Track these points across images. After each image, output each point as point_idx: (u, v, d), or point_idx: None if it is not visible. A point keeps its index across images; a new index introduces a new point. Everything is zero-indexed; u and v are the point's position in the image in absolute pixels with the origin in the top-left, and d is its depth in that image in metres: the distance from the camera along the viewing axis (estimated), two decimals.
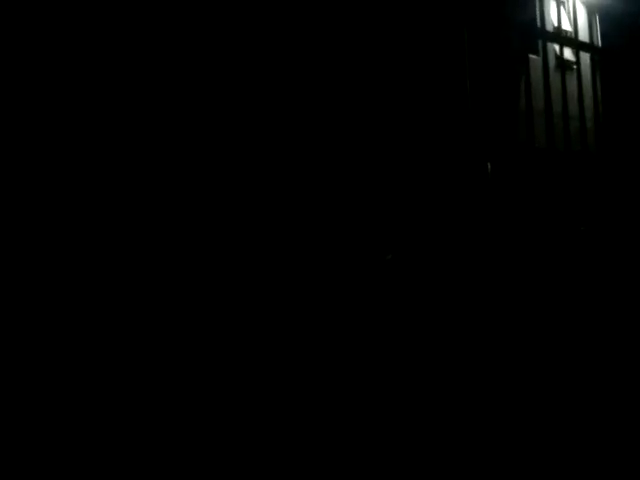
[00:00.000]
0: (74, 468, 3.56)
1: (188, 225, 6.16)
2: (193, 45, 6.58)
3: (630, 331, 6.46)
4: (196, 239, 6.08)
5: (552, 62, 10.99)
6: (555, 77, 10.98)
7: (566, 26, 11.45)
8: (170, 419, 4.24)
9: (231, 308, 5.92)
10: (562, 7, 11.37)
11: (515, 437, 4.06)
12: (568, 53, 11.40)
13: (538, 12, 10.84)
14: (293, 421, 4.31)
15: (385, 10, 8.15)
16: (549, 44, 10.86)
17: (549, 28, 11.02)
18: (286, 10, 7.14)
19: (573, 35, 11.34)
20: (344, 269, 6.82)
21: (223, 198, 6.42)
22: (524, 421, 4.34)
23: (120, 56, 6.05)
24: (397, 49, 8.44)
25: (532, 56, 10.67)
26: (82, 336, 5.27)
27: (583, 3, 11.73)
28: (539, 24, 10.74)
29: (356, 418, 4.31)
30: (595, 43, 11.99)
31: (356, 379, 4.98)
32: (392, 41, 8.37)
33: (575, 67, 11.29)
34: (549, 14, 11.04)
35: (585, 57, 11.64)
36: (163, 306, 5.72)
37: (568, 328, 6.69)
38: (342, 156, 7.34)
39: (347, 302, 6.50)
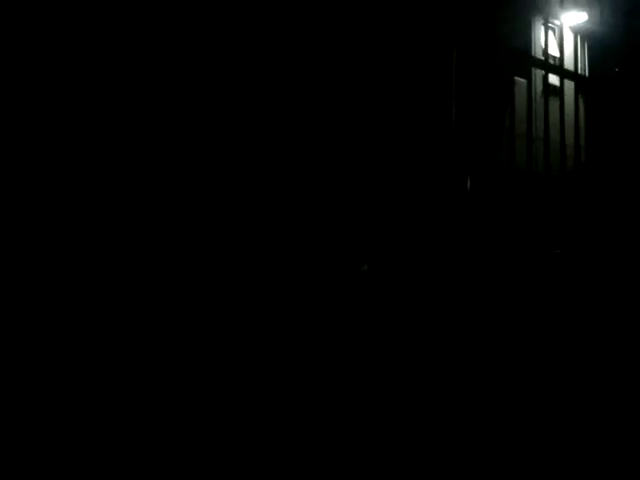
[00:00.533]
0: (74, 468, 3.57)
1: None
2: (193, 47, 6.67)
3: (591, 350, 6.65)
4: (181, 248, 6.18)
5: (539, 86, 11.24)
6: (540, 101, 11.21)
7: (554, 51, 11.70)
8: (164, 420, 4.27)
9: (205, 318, 6.01)
10: (551, 32, 11.63)
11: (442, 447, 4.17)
12: (554, 78, 11.64)
13: (528, 36, 11.10)
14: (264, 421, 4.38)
15: (372, 24, 8.30)
16: (537, 70, 11.09)
17: (538, 52, 11.27)
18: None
19: (559, 62, 11.56)
20: (317, 279, 6.94)
21: (200, 209, 6.52)
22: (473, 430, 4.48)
23: (120, 57, 6.12)
24: (385, 63, 8.59)
25: (519, 79, 10.90)
26: (81, 337, 5.33)
27: (571, 29, 11.99)
28: (527, 48, 10.98)
29: (331, 422, 4.38)
30: (581, 70, 12.25)
31: (332, 385, 5.06)
32: (380, 54, 8.52)
33: (560, 93, 11.53)
34: (538, 39, 11.29)
35: (570, 83, 11.89)
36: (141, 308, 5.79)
37: (531, 344, 6.86)
38: (318, 167, 7.46)
39: (321, 312, 6.61)
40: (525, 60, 10.84)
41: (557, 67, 11.40)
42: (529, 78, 10.87)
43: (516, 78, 10.78)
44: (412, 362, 5.74)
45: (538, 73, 11.31)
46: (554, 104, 11.55)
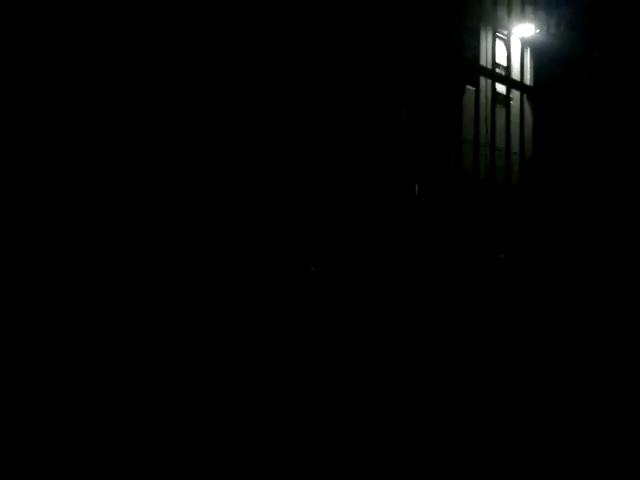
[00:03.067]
0: (74, 467, 3.57)
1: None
2: (191, 47, 6.69)
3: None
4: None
5: (488, 95, 11.55)
6: (488, 109, 11.54)
7: (502, 61, 12.05)
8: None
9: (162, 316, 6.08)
10: (501, 43, 11.96)
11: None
12: (503, 88, 12.00)
13: (477, 46, 11.40)
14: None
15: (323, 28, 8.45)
16: (484, 79, 11.42)
17: (488, 62, 11.59)
18: None
19: (507, 72, 11.92)
20: (267, 280, 7.05)
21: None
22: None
23: (120, 56, 6.10)
24: (335, 69, 8.76)
25: (468, 87, 11.20)
26: (80, 335, 5.32)
27: (520, 41, 12.35)
28: (476, 58, 11.29)
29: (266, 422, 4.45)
30: (529, 79, 12.64)
31: (278, 383, 5.16)
32: (329, 61, 8.67)
33: (507, 101, 11.91)
34: (488, 49, 11.60)
35: (517, 93, 12.27)
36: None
37: (474, 342, 7.04)
38: (267, 174, 7.59)
39: (270, 311, 6.71)
40: (473, 69, 11.14)
41: (504, 77, 11.76)
42: (477, 87, 11.19)
43: (467, 86, 11.07)
44: (356, 359, 5.90)
45: (488, 83, 11.63)
46: (501, 112, 11.92)
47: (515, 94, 12.19)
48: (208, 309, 6.33)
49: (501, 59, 12.00)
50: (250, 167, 7.42)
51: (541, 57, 12.62)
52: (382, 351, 6.34)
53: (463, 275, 10.05)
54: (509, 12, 11.88)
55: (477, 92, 11.07)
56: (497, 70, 11.73)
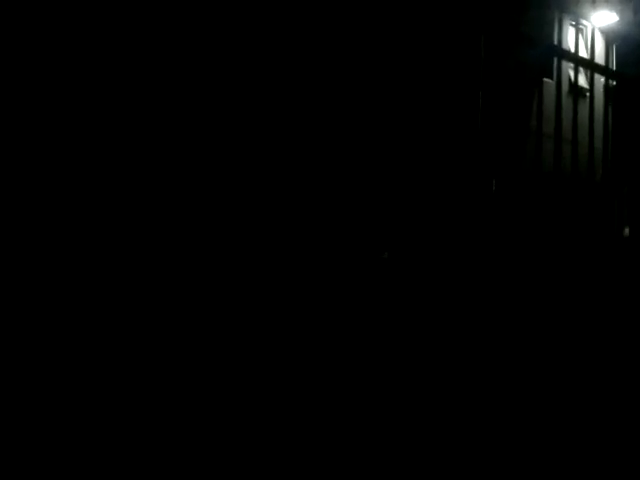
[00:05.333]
0: (74, 468, 3.50)
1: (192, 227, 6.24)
2: (192, 45, 6.66)
3: None
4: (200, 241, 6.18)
5: (565, 87, 11.07)
6: (568, 103, 11.05)
7: (583, 53, 11.55)
8: (169, 418, 4.18)
9: (237, 307, 6.01)
10: (580, 33, 11.48)
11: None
12: (582, 80, 11.49)
13: (556, 36, 10.94)
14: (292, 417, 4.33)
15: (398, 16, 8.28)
16: (564, 69, 10.95)
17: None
18: None
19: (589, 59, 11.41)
20: (340, 266, 6.93)
21: (227, 202, 6.54)
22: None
23: (119, 55, 6.10)
24: (414, 62, 8.57)
25: (546, 80, 10.75)
26: (81, 336, 5.31)
27: (601, 31, 11.82)
28: (556, 47, 10.83)
29: (352, 415, 4.31)
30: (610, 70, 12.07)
31: (354, 374, 5.03)
32: (409, 52, 8.50)
33: (588, 94, 11.37)
34: (567, 39, 11.15)
35: (599, 85, 11.71)
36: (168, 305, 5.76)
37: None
38: (346, 161, 7.52)
39: (343, 298, 6.60)
40: (553, 55, 10.68)
41: (586, 60, 11.17)
42: (558, 77, 10.70)
43: (544, 79, 10.62)
44: (433, 343, 5.70)
45: (566, 75, 11.15)
46: (583, 107, 11.38)
47: (597, 89, 11.64)
48: (293, 292, 6.30)
49: (581, 51, 11.50)
50: (334, 164, 7.39)
51: (624, 47, 12.05)
52: (456, 334, 6.11)
53: (535, 272, 9.61)
54: None
55: (559, 83, 10.61)
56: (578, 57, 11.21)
